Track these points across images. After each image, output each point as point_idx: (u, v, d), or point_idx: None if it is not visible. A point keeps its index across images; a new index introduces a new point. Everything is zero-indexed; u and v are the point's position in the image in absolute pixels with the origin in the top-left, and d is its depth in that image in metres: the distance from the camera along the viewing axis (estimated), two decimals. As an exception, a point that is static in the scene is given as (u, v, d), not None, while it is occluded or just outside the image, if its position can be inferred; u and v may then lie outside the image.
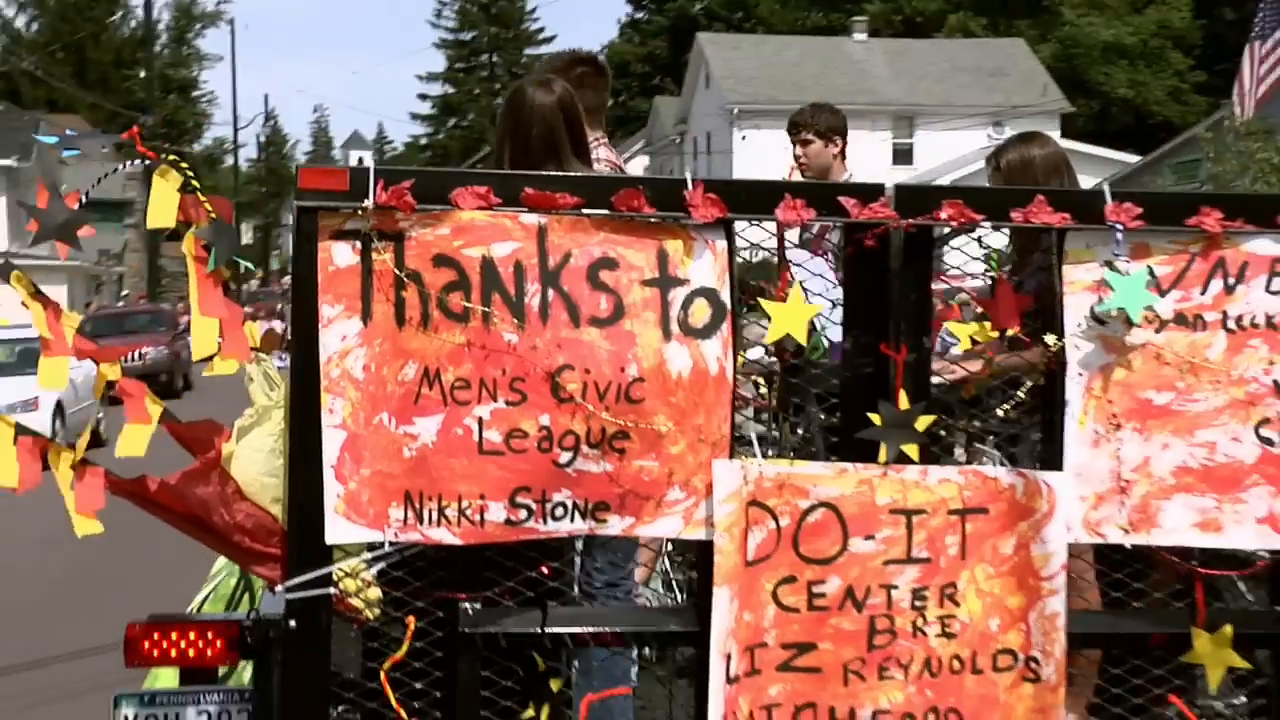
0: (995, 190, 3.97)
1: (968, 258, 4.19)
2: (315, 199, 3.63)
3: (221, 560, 5.48)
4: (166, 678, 4.79)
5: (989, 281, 4.43)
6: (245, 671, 4.62)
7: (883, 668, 3.85)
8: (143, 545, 12.32)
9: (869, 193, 3.84)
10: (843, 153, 7.29)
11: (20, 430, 3.72)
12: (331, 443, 3.63)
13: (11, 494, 3.79)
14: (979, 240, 4.11)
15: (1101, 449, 3.88)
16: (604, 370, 3.69)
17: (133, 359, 33.08)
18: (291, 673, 3.73)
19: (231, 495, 3.85)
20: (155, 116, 62.54)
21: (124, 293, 58.57)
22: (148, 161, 3.64)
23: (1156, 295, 3.87)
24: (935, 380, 4.27)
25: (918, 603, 3.85)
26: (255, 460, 3.87)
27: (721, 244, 3.78)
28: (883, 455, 3.82)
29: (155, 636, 4.15)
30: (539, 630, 3.84)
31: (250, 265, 3.74)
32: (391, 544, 3.69)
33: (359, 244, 3.64)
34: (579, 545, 4.84)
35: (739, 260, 4.00)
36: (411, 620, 3.79)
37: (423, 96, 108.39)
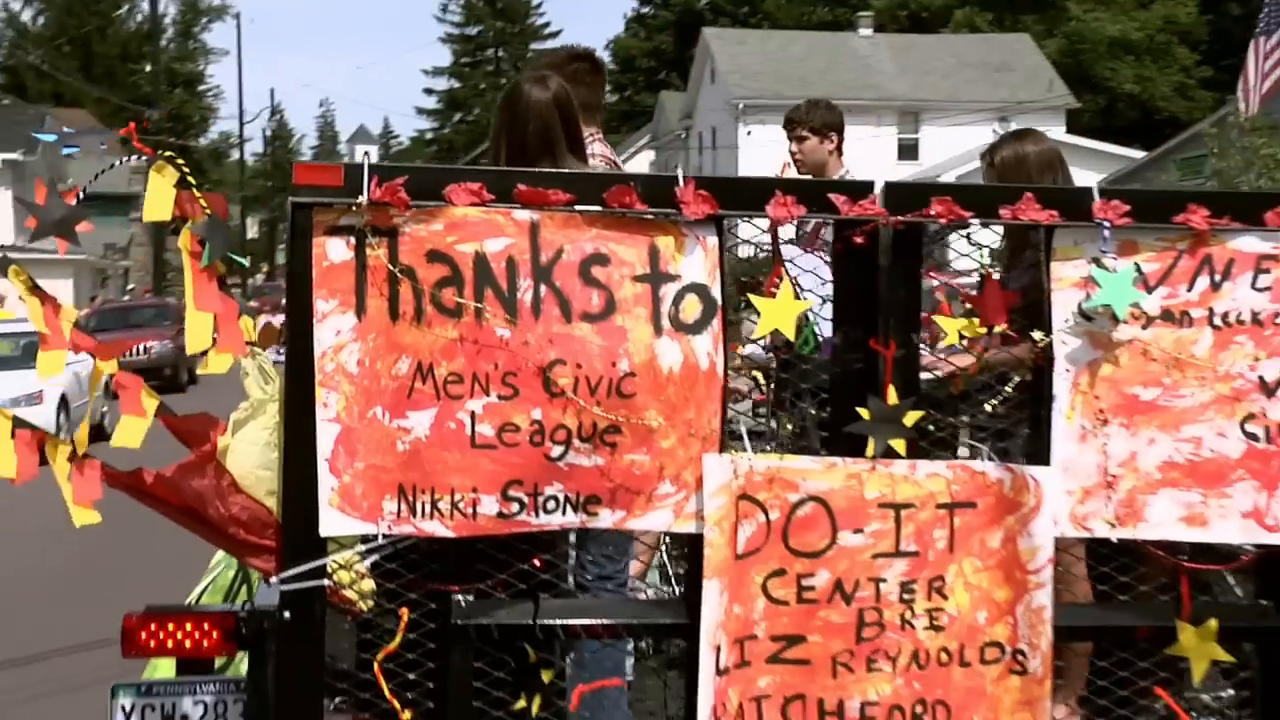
0: (984, 188, 4.01)
1: (967, 252, 4.23)
2: (310, 195, 3.67)
3: (220, 552, 5.52)
4: (165, 669, 4.83)
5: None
6: (243, 662, 4.66)
7: (871, 660, 3.89)
8: (142, 540, 12.35)
9: (859, 190, 3.87)
10: (839, 148, 7.32)
11: (18, 423, 3.77)
12: (326, 436, 3.68)
13: (12, 490, 3.83)
14: (968, 237, 4.15)
15: (1088, 444, 3.92)
16: (595, 365, 3.73)
17: (137, 353, 33.22)
18: (285, 663, 3.78)
19: (227, 488, 3.88)
20: (161, 110, 62.66)
21: (129, 287, 58.71)
22: (144, 157, 3.68)
23: (1143, 292, 3.91)
24: (926, 375, 4.32)
25: (906, 596, 3.89)
26: (250, 453, 3.90)
27: (712, 240, 3.82)
28: (871, 449, 3.86)
29: (152, 627, 4.20)
30: (531, 622, 3.88)
31: (244, 261, 3.78)
32: (385, 536, 3.74)
33: (353, 239, 3.68)
34: (573, 538, 4.88)
35: (742, 257, 4.06)
36: (405, 612, 3.83)
37: (428, 91, 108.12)
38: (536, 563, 3.94)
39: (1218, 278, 3.95)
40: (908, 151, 58.07)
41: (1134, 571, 4.23)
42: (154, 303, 40.93)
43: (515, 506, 3.76)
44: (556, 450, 3.74)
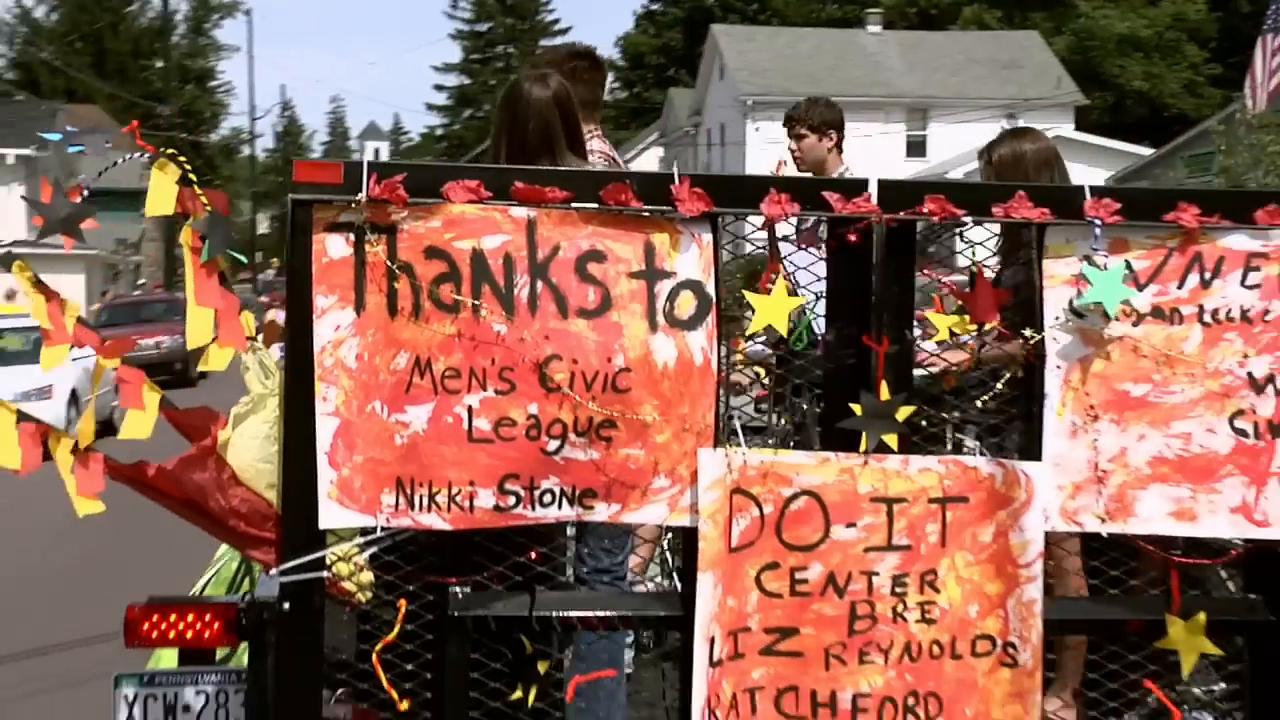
0: (976, 185, 4.04)
1: (969, 248, 4.28)
2: (310, 192, 3.72)
3: (224, 545, 5.57)
4: (168, 662, 4.88)
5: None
6: (245, 653, 4.70)
7: (863, 652, 3.94)
8: (144, 540, 12.43)
9: (853, 188, 3.92)
10: (838, 146, 7.37)
11: (22, 416, 3.82)
12: (325, 430, 3.73)
13: (15, 489, 3.88)
14: (961, 235, 4.19)
15: (1079, 439, 3.96)
16: (591, 360, 3.78)
17: (148, 347, 33.31)
18: (285, 653, 3.82)
19: (227, 481, 3.93)
20: (172, 106, 62.81)
21: (140, 281, 58.74)
22: (147, 154, 3.73)
23: (1134, 289, 3.95)
24: (921, 371, 4.37)
25: (898, 589, 3.94)
26: (250, 447, 3.95)
27: (707, 237, 3.86)
28: (864, 444, 3.91)
29: (155, 618, 4.24)
30: (527, 614, 3.93)
31: (243, 258, 3.83)
32: (383, 529, 3.78)
33: (352, 236, 3.72)
34: (572, 532, 4.93)
35: (752, 255, 4.10)
36: (403, 603, 3.88)
37: (438, 87, 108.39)
38: (533, 555, 3.99)
39: (1208, 275, 3.99)
40: (916, 148, 58.10)
41: (1128, 567, 4.28)
42: (165, 298, 41.00)
43: (512, 500, 3.80)
44: (552, 444, 3.79)
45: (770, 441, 5.90)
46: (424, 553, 3.91)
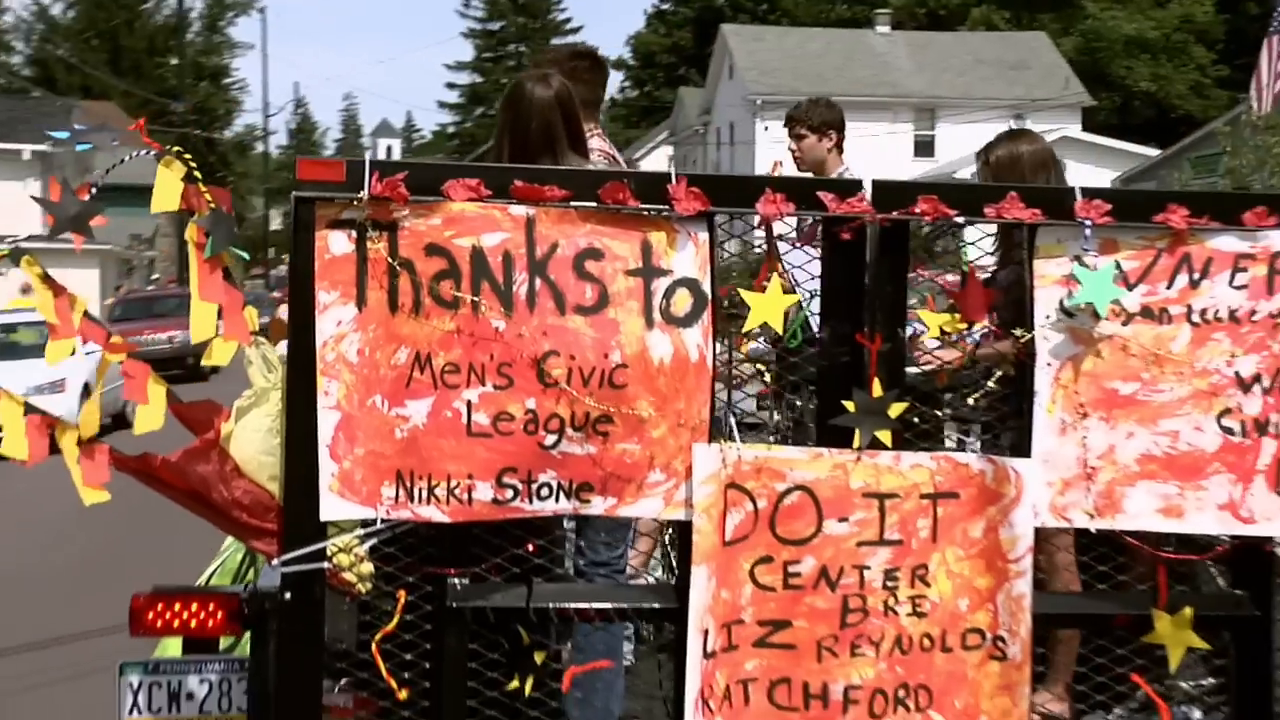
0: (968, 186, 4.10)
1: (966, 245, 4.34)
2: (313, 189, 3.78)
3: (230, 537, 5.64)
4: (174, 651, 4.94)
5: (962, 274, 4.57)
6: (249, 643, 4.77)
7: (855, 645, 3.99)
8: (149, 535, 12.48)
9: (847, 188, 3.98)
10: (838, 146, 7.42)
11: (29, 408, 3.89)
12: (326, 423, 3.79)
13: (18, 487, 3.95)
14: (951, 234, 4.25)
15: (1069, 437, 4.02)
16: (588, 356, 3.84)
17: (160, 342, 33.45)
18: (286, 642, 3.88)
19: (230, 473, 4.00)
20: (187, 103, 62.94)
21: (154, 276, 58.92)
22: (154, 151, 3.80)
23: (1124, 289, 4.00)
24: (916, 370, 4.43)
25: (889, 583, 3.99)
26: (253, 439, 4.02)
27: (703, 236, 3.92)
28: (857, 441, 3.97)
29: (159, 607, 4.32)
30: (524, 605, 3.99)
31: (245, 254, 3.90)
32: (383, 521, 3.85)
33: (354, 233, 3.78)
34: (570, 525, 4.99)
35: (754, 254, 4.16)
36: (402, 594, 3.94)
37: (450, 86, 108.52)
38: (530, 548, 4.05)
39: (1196, 276, 4.05)
40: (924, 148, 58.15)
41: (1121, 564, 4.33)
42: (178, 293, 41.06)
43: (509, 493, 3.87)
44: (550, 439, 3.85)
45: (772, 439, 5.96)
46: (423, 544, 3.97)
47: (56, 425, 3.91)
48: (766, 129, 55.89)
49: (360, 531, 3.90)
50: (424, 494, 3.84)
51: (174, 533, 7.47)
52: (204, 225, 3.79)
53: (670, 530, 6.33)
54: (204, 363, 3.87)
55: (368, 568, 4.07)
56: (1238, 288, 4.06)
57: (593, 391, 3.84)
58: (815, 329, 4.26)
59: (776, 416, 6.34)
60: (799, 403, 4.55)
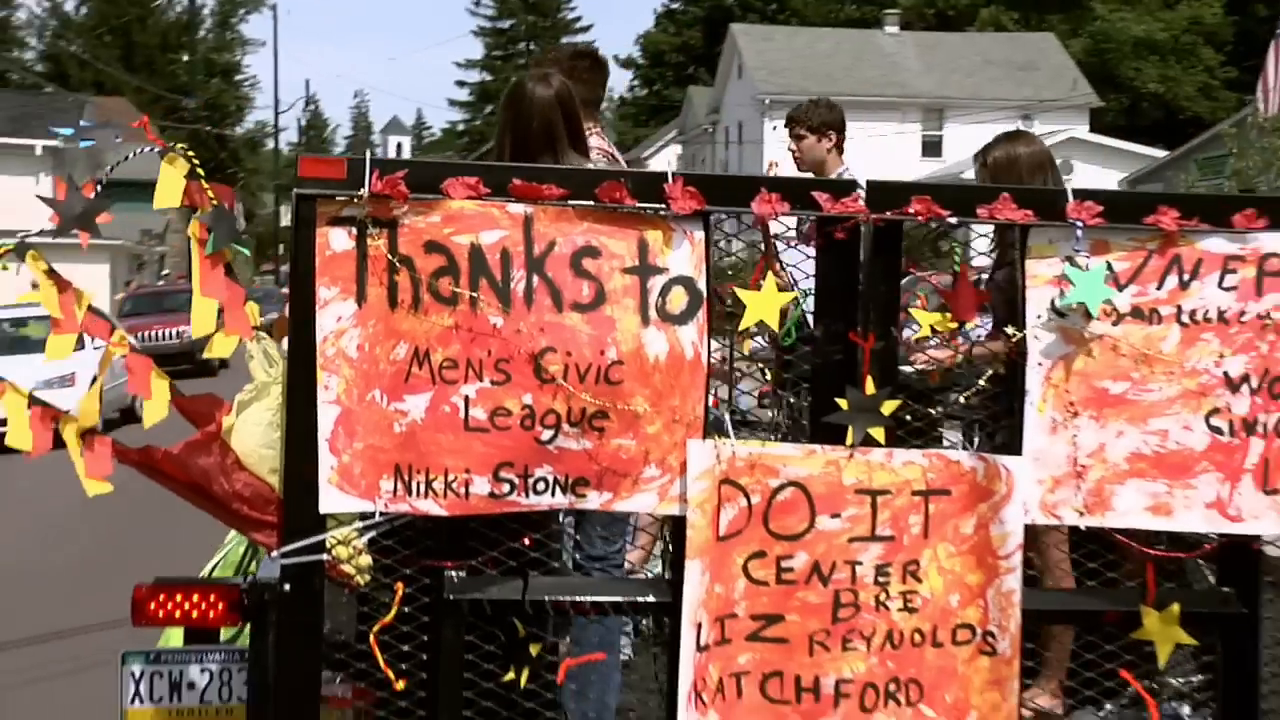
0: (961, 187, 4.15)
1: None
2: (314, 187, 3.83)
3: (233, 530, 5.69)
4: (176, 642, 5.00)
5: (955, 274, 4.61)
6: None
7: (846, 639, 4.04)
8: (149, 534, 12.51)
9: (842, 188, 4.03)
10: (838, 146, 7.48)
11: (33, 400, 3.95)
12: (326, 417, 3.84)
13: (19, 485, 4.01)
14: (943, 234, 4.30)
15: (1059, 435, 4.07)
16: (585, 353, 3.89)
17: (170, 336, 33.53)
18: (285, 633, 3.94)
19: (231, 465, 4.06)
20: (198, 100, 63.07)
21: (164, 272, 59.02)
22: (157, 148, 3.86)
23: (1114, 290, 4.05)
24: (912, 368, 4.48)
25: (881, 578, 4.04)
26: (254, 433, 4.07)
27: (699, 234, 3.97)
28: (850, 438, 4.02)
29: (161, 598, 4.36)
30: (520, 597, 4.05)
31: (246, 251, 3.95)
32: (382, 514, 3.90)
33: (355, 230, 3.83)
34: (566, 519, 5.04)
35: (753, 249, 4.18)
36: (400, 586, 4.00)
37: (460, 83, 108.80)
38: (526, 541, 4.10)
39: (1186, 277, 4.09)
40: (931, 148, 58.16)
41: (1116, 564, 4.38)
42: (188, 288, 40.97)
43: (506, 487, 3.92)
44: (546, 434, 3.90)
45: (772, 436, 6.01)
46: (421, 537, 4.02)
47: (60, 418, 3.97)
48: (775, 128, 55.60)
49: (359, 524, 3.96)
50: (422, 488, 3.89)
51: (176, 529, 7.52)
52: (206, 221, 3.84)
53: (670, 526, 6.40)
54: (205, 355, 3.92)
55: (366, 560, 4.13)
56: (1227, 289, 4.10)
57: (589, 387, 3.89)
58: (812, 327, 4.30)
59: (773, 414, 6.39)
60: (791, 400, 4.59)
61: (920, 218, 4.00)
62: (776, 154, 7.90)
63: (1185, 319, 4.09)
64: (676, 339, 3.95)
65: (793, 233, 6.27)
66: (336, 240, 3.84)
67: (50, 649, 10.26)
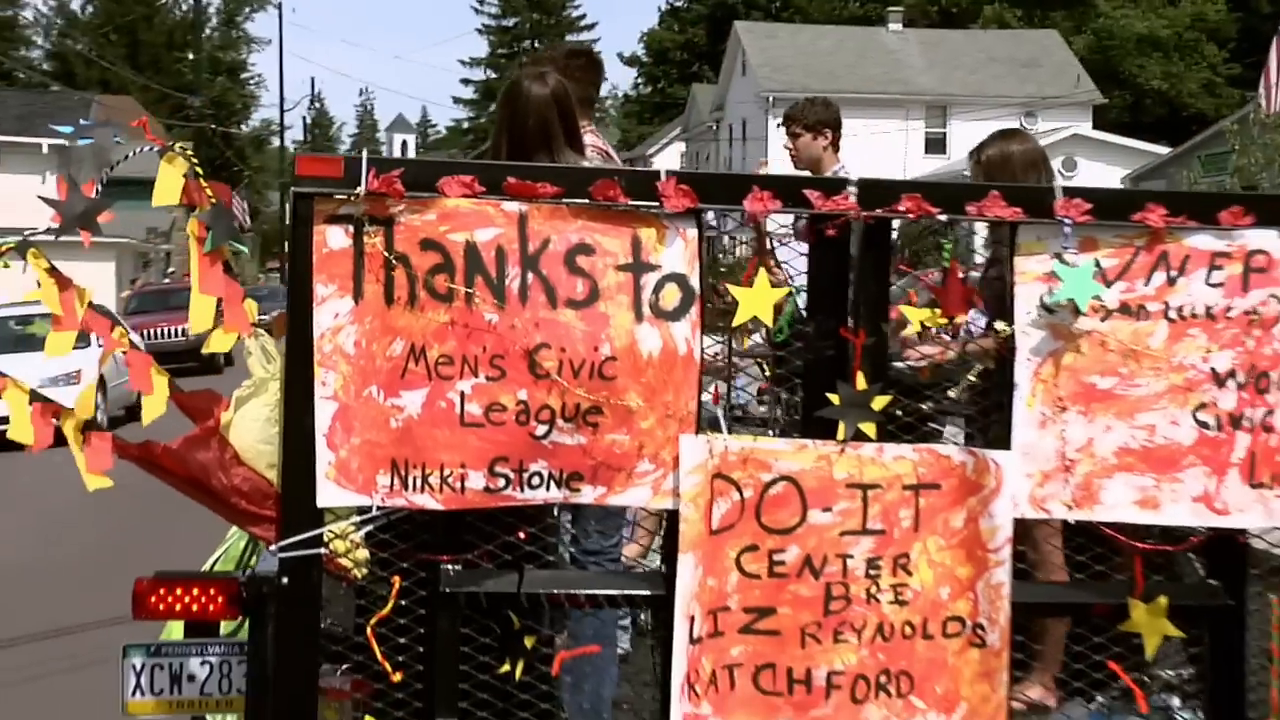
0: (951, 185, 4.19)
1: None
2: (312, 185, 3.88)
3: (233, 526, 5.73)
4: (178, 635, 5.04)
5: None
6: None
7: (838, 632, 4.09)
8: (148, 533, 12.54)
9: (833, 186, 4.07)
10: (834, 144, 7.54)
11: (34, 396, 4.01)
12: (323, 413, 3.89)
13: (20, 483, 4.06)
14: (933, 232, 4.34)
15: (1048, 430, 4.11)
16: (579, 349, 3.93)
17: (176, 334, 33.60)
18: (284, 626, 3.98)
19: (229, 460, 4.10)
20: (204, 98, 63.15)
21: (170, 270, 59.11)
22: (156, 148, 3.91)
23: (1102, 286, 4.08)
24: (908, 364, 4.52)
25: (872, 571, 4.09)
26: (252, 428, 4.12)
27: (692, 232, 4.01)
28: (841, 433, 4.07)
29: (161, 592, 4.41)
30: (515, 590, 4.10)
31: (244, 249, 4.00)
32: (379, 508, 3.94)
33: (351, 228, 3.88)
34: (562, 515, 5.09)
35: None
36: (397, 580, 4.04)
37: (465, 81, 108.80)
38: (521, 535, 4.15)
39: (1173, 273, 4.13)
40: (935, 145, 58.22)
41: (1104, 556, 4.42)
42: (194, 286, 41.16)
43: (501, 482, 3.96)
44: (541, 429, 3.94)
45: (771, 431, 6.05)
46: (417, 531, 4.06)
47: (61, 413, 4.02)
48: (779, 125, 55.78)
49: (356, 519, 4.00)
50: (418, 482, 3.93)
51: (178, 526, 7.55)
52: (204, 220, 3.89)
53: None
54: (203, 351, 3.97)
55: (363, 554, 4.17)
56: (1214, 285, 4.14)
57: (583, 383, 3.93)
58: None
59: (767, 409, 6.44)
60: (783, 395, 4.64)
61: (910, 215, 4.04)
62: (779, 151, 7.97)
63: (1172, 315, 4.13)
64: (669, 335, 3.99)
65: (785, 230, 6.33)
66: (333, 238, 3.89)
67: (52, 646, 10.32)
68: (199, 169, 3.91)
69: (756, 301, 4.05)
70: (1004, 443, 4.12)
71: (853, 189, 4.04)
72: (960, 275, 4.17)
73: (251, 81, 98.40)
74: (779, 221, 4.51)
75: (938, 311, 4.14)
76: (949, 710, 4.12)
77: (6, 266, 3.92)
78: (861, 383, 4.05)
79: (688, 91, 77.16)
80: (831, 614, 4.08)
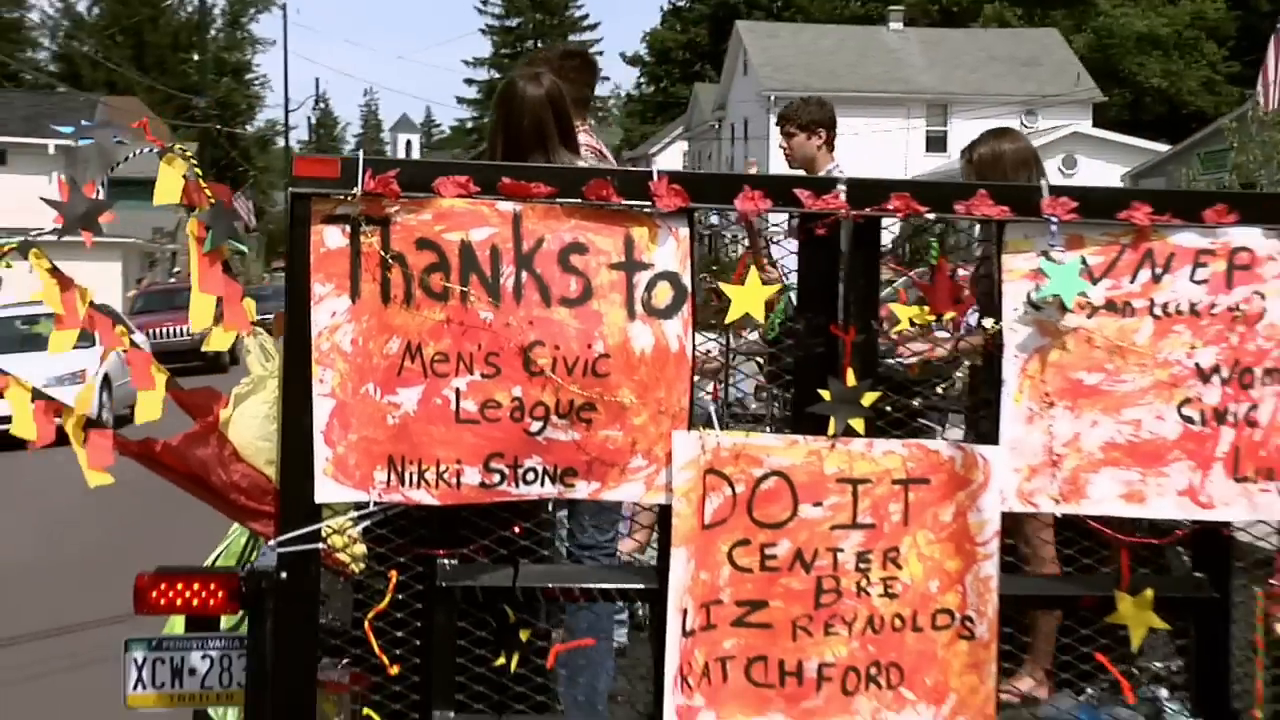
0: (939, 184, 4.24)
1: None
2: (309, 186, 3.94)
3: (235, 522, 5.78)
4: (179, 630, 5.09)
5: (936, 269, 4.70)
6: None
7: (829, 624, 4.14)
8: (147, 533, 12.56)
9: (823, 185, 4.13)
10: (828, 143, 7.60)
11: (36, 394, 4.07)
12: (321, 410, 3.95)
13: (21, 482, 4.11)
14: (925, 230, 4.39)
15: (1035, 425, 4.16)
16: (572, 346, 3.99)
17: (181, 334, 33.64)
18: (282, 620, 4.04)
19: (229, 457, 4.16)
20: (209, 98, 63.19)
21: (175, 269, 59.16)
22: (156, 150, 3.97)
23: (1089, 283, 4.14)
24: (898, 361, 4.58)
25: (862, 565, 4.14)
26: (251, 425, 4.18)
27: (684, 231, 4.07)
28: (832, 428, 4.12)
29: (162, 587, 4.45)
30: (510, 584, 4.15)
31: (243, 248, 4.06)
32: (376, 504, 4.01)
33: (348, 228, 3.94)
34: (559, 511, 5.14)
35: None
36: (394, 574, 4.10)
37: (469, 81, 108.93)
38: (516, 530, 4.20)
39: (1158, 270, 4.19)
40: (936, 144, 58.22)
41: (1100, 552, 4.48)
42: (199, 286, 41.19)
43: (496, 477, 4.02)
44: (535, 425, 4.00)
45: (768, 428, 6.10)
46: (414, 526, 4.12)
47: (63, 411, 4.08)
48: (778, 125, 55.78)
49: (354, 514, 4.06)
50: (414, 478, 3.99)
51: (179, 524, 7.59)
52: (204, 220, 3.95)
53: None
54: (202, 349, 4.03)
55: (361, 549, 4.22)
56: (1198, 282, 4.19)
57: (576, 380, 3.98)
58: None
59: (759, 406, 6.50)
60: (775, 391, 4.69)
61: (899, 214, 4.10)
62: (780, 150, 8.03)
63: (1158, 311, 4.18)
64: (662, 333, 4.04)
65: (777, 229, 6.39)
66: (331, 238, 3.94)
67: (53, 644, 10.33)
68: (199, 169, 3.96)
69: (748, 299, 4.11)
70: (992, 438, 4.17)
71: (842, 188, 4.09)
72: (948, 272, 4.22)
73: (256, 82, 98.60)
74: (774, 220, 4.56)
75: (926, 309, 4.19)
76: (938, 701, 4.18)
77: (9, 267, 3.98)
78: (851, 379, 4.10)
79: (690, 91, 77.18)
80: (822, 607, 4.14)
